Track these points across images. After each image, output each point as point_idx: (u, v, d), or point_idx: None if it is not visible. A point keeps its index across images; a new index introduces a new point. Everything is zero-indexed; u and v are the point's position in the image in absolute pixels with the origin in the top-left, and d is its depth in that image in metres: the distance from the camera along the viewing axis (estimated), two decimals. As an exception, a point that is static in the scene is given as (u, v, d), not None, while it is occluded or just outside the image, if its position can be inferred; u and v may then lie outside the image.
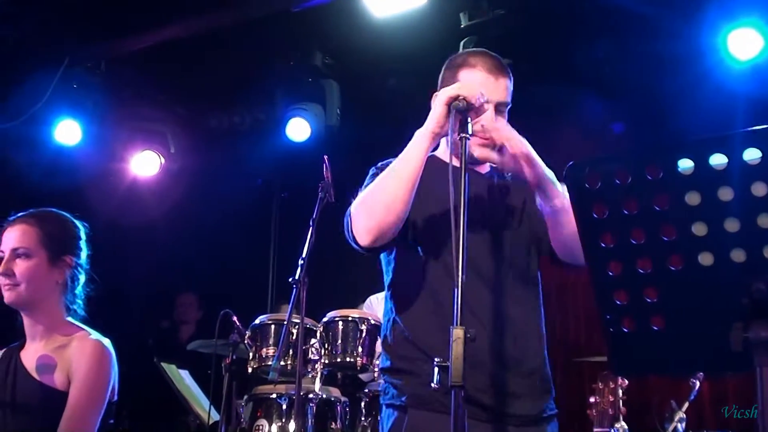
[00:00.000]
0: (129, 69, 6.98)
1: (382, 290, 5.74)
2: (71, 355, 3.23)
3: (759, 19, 5.76)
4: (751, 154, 1.68)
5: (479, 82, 2.93)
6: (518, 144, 2.85)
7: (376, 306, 5.67)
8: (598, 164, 1.87)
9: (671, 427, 5.17)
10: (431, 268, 2.96)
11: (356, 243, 2.92)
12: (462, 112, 2.71)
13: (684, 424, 5.20)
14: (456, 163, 2.65)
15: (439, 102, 2.77)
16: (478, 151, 2.92)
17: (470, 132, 2.69)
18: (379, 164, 3.11)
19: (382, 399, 3.06)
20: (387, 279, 3.15)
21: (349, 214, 2.95)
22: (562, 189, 2.79)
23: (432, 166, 2.96)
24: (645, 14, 5.90)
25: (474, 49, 3.15)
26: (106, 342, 3.31)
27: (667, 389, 5.52)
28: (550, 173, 2.86)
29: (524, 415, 2.90)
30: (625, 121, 6.96)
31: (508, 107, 3.07)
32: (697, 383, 5.20)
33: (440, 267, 2.93)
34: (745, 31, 5.81)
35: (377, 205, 2.84)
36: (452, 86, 2.78)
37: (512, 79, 3.08)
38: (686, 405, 5.19)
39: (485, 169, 3.17)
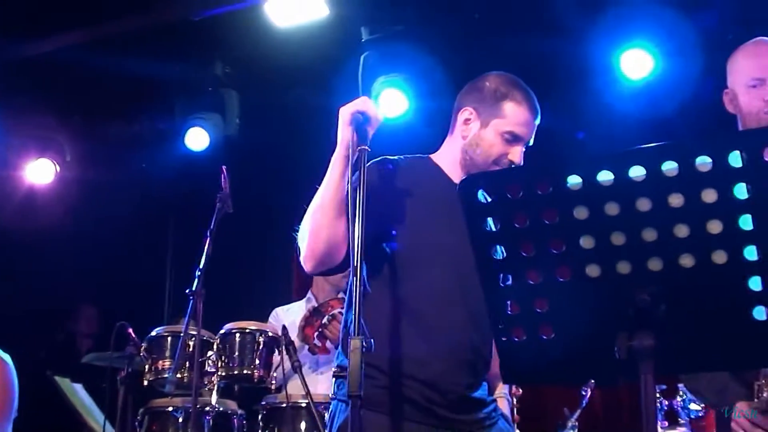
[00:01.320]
0: (24, 76, 6.82)
1: (287, 302, 5.79)
2: None
3: (649, 41, 5.97)
4: (637, 171, 1.75)
5: (522, 121, 3.08)
6: None
7: (283, 317, 5.66)
8: (490, 179, 1.92)
9: (563, 435, 5.30)
10: (405, 275, 2.96)
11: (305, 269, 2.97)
12: (361, 125, 2.76)
13: (576, 431, 5.33)
14: (456, 176, 3.00)
15: (343, 123, 2.81)
16: None
17: (369, 144, 2.75)
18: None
19: (333, 394, 3.05)
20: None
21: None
22: None
23: (426, 172, 3.12)
24: (541, 33, 6.03)
25: (509, 77, 3.20)
26: (6, 357, 3.24)
27: (560, 397, 5.65)
28: None
29: (479, 419, 2.96)
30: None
31: None
32: (588, 391, 5.33)
33: (416, 276, 2.95)
34: (636, 51, 6.00)
35: (307, 233, 2.90)
36: (352, 104, 2.83)
37: None
38: (578, 412, 5.32)
39: None
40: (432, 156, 3.24)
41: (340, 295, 5.11)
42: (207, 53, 6.90)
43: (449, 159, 3.19)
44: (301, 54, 6.44)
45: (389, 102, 6.30)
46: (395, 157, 3.12)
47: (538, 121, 3.14)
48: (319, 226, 2.85)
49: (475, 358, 2.98)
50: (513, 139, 3.07)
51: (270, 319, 5.68)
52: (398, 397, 2.85)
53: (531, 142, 3.14)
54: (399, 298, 2.95)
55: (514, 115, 3.09)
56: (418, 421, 2.86)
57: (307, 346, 5.08)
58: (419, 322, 2.91)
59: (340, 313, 4.73)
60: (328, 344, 4.97)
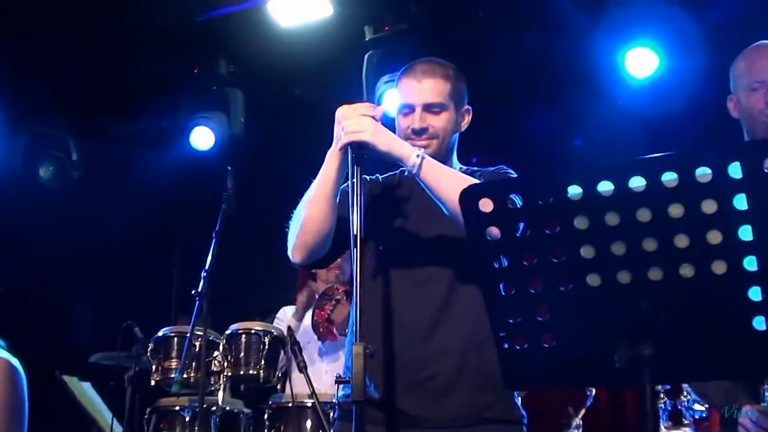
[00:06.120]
0: (29, 74, 6.83)
1: (292, 302, 5.84)
2: None
3: (653, 40, 5.96)
4: (637, 182, 1.75)
5: (408, 90, 3.04)
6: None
7: (291, 315, 5.73)
8: (491, 189, 1.93)
9: (568, 434, 5.30)
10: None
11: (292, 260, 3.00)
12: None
13: (581, 431, 5.33)
14: None
15: (337, 123, 2.84)
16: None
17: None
18: None
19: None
20: None
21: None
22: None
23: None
24: (545, 33, 6.04)
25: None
26: (14, 361, 3.23)
27: (564, 396, 5.64)
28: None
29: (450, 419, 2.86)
30: (532, 138, 7.04)
31: (444, 106, 3.04)
32: (593, 391, 5.33)
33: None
34: (641, 50, 6.00)
35: (298, 225, 2.93)
36: (351, 107, 2.85)
37: (450, 78, 3.09)
38: (583, 412, 5.32)
39: None
40: None
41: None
42: (211, 52, 6.92)
43: None
44: (306, 53, 6.45)
45: (393, 101, 6.31)
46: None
47: (428, 82, 3.03)
48: (310, 218, 2.89)
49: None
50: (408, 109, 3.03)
51: (278, 315, 5.72)
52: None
53: (431, 101, 3.01)
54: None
55: (403, 88, 3.07)
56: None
57: (315, 336, 5.17)
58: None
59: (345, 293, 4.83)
60: (335, 330, 5.04)
